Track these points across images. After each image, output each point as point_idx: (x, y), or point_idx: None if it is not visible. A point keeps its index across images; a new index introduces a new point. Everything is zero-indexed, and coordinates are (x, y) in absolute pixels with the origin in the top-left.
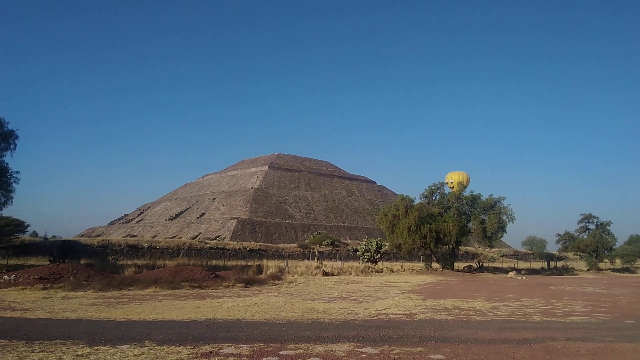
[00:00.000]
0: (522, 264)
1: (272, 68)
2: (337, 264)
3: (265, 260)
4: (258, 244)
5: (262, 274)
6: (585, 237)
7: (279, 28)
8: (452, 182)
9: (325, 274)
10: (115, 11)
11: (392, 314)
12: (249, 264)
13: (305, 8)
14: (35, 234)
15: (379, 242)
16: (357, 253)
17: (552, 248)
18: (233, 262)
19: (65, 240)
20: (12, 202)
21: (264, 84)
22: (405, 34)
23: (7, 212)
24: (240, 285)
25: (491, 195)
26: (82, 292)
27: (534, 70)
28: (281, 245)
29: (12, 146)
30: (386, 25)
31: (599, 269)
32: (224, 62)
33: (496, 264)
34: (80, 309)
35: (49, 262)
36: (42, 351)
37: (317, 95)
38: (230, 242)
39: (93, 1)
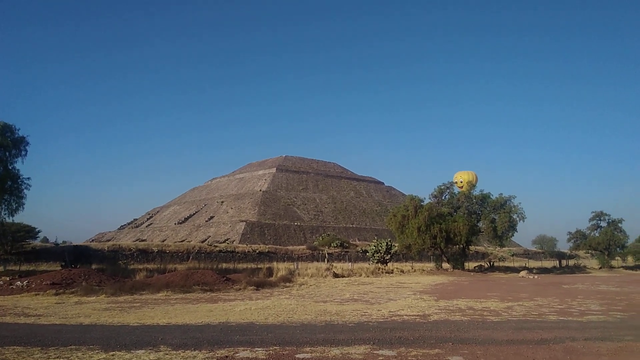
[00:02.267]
0: (533, 263)
1: (278, 69)
2: (347, 265)
3: (275, 263)
4: (267, 246)
5: (272, 276)
6: (597, 235)
7: (285, 29)
8: (461, 182)
9: (336, 275)
10: (120, 14)
11: (405, 315)
12: (259, 266)
13: (310, 9)
14: (46, 239)
15: (389, 243)
16: (367, 254)
17: (563, 246)
18: (243, 265)
19: (76, 245)
20: (23, 208)
21: (270, 85)
22: (412, 34)
23: (18, 218)
24: (251, 288)
25: (501, 194)
26: (94, 297)
27: (541, 68)
28: (290, 248)
29: (22, 152)
30: (392, 26)
31: (611, 267)
32: (230, 64)
33: (507, 264)
34: (94, 314)
35: (60, 268)
36: (57, 357)
37: (323, 97)
38: (240, 245)
39: (96, 4)
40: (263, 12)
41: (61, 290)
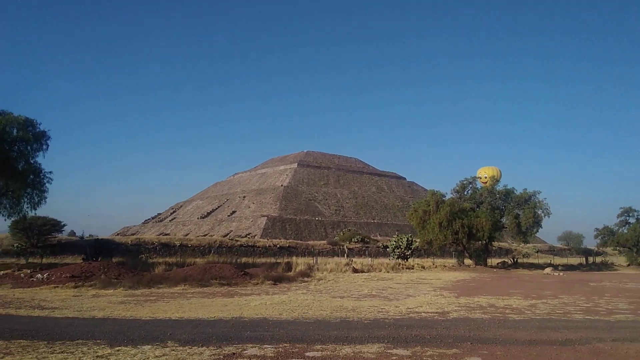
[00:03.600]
0: (558, 260)
1: (300, 65)
2: (367, 260)
3: (294, 257)
4: (288, 241)
5: (291, 271)
6: (625, 231)
7: (307, 25)
8: (485, 177)
9: (355, 270)
10: (139, 7)
11: (424, 312)
12: (278, 261)
13: (334, 5)
14: (73, 233)
15: (410, 239)
16: (387, 250)
17: (590, 243)
18: (263, 260)
19: (98, 238)
20: (45, 201)
21: (292, 81)
22: (435, 31)
23: (45, 212)
24: (269, 282)
25: (525, 189)
26: (112, 290)
27: (568, 68)
28: (311, 242)
29: (44, 147)
30: (415, 23)
31: None
32: (254, 59)
33: (531, 260)
34: (108, 307)
35: (82, 261)
36: (62, 352)
37: (345, 92)
38: (261, 240)
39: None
40: (287, 7)
41: (80, 283)
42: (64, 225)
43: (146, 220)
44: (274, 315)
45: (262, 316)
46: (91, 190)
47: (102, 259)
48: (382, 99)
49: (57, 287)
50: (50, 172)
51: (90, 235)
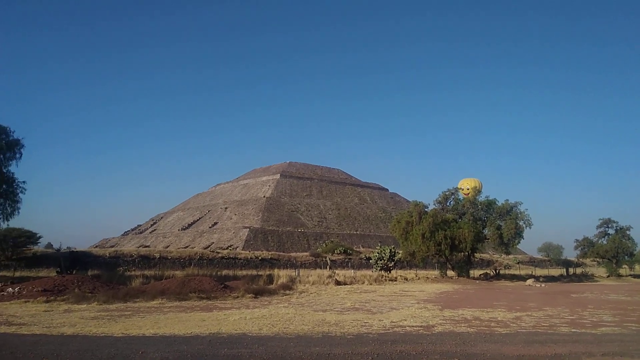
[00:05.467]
0: (539, 271)
1: (282, 74)
2: (350, 272)
3: (276, 270)
4: (270, 253)
5: (272, 283)
6: (605, 242)
7: (292, 34)
8: (468, 189)
9: (338, 283)
10: (123, 16)
11: (408, 326)
12: (259, 273)
13: (320, 13)
14: (50, 245)
15: (392, 250)
16: (370, 261)
17: (569, 254)
18: (244, 272)
19: (73, 250)
20: (18, 212)
21: (274, 90)
22: (421, 39)
23: (20, 223)
24: (249, 295)
25: (507, 200)
26: (85, 305)
27: (548, 75)
28: (293, 254)
29: (17, 155)
30: (401, 31)
31: (619, 275)
32: (235, 68)
33: (512, 271)
34: (79, 323)
35: (56, 274)
36: None
37: (328, 102)
38: (242, 252)
39: (97, 7)
40: (268, 16)
41: (52, 298)
42: (40, 237)
43: (126, 232)
44: (253, 331)
45: (241, 331)
46: (71, 202)
47: (77, 272)
48: (365, 109)
49: (28, 301)
50: (24, 182)
51: (67, 247)
